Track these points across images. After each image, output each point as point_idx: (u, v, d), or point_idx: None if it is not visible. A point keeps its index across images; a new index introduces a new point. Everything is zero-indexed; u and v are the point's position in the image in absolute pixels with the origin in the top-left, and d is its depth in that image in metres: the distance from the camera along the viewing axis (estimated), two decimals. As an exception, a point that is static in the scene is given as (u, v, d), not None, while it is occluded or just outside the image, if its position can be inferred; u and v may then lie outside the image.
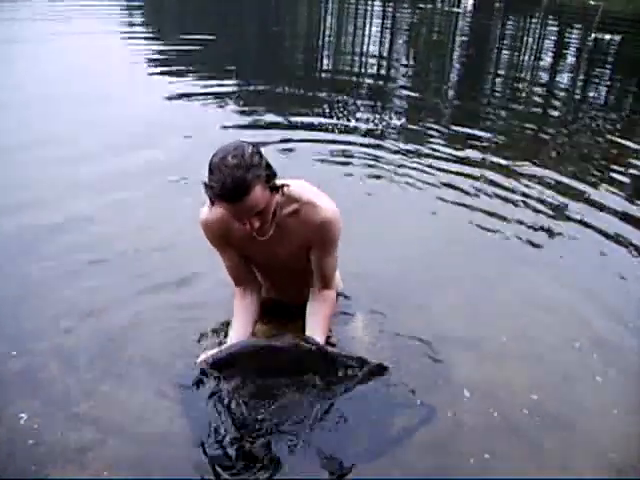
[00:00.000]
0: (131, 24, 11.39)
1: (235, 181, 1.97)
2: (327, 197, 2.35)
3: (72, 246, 3.38)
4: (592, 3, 21.54)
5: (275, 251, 2.38)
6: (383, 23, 14.51)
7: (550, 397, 2.58)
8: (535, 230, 4.01)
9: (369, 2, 18.58)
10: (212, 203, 2.12)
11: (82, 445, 2.16)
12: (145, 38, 10.40)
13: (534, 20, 18.21)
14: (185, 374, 2.50)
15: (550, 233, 4.00)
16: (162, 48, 9.59)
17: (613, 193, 4.71)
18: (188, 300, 2.95)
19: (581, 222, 4.20)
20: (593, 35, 13.77)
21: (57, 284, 3.05)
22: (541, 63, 11.32)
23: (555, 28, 16.58)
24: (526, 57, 11.75)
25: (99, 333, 2.72)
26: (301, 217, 2.29)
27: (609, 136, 6.47)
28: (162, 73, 7.67)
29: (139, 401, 2.37)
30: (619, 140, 6.29)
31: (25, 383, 2.40)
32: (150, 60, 8.52)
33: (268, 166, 2.10)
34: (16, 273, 3.12)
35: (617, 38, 13.14)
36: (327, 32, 13.26)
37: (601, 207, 4.43)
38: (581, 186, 4.79)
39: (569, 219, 4.25)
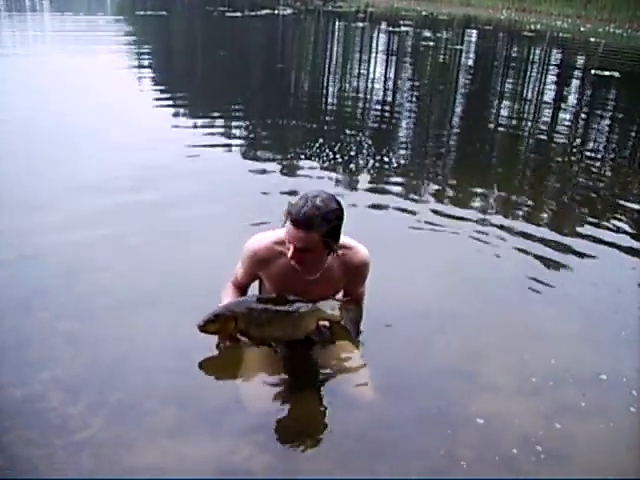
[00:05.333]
0: (139, 63, 11.60)
1: (306, 216, 2.39)
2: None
3: (73, 278, 3.44)
4: (592, 40, 21.86)
5: (313, 288, 2.67)
6: (387, 60, 14.74)
7: (546, 430, 2.58)
8: (537, 267, 4.03)
9: (373, 42, 18.89)
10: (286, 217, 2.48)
11: (81, 475, 2.19)
12: (150, 73, 10.68)
13: (537, 53, 18.44)
14: (187, 401, 2.56)
15: (554, 270, 4.02)
16: (168, 85, 9.79)
17: (616, 230, 4.75)
18: (189, 330, 2.96)
19: (582, 261, 4.24)
20: (593, 72, 13.94)
21: (56, 315, 3.09)
22: (544, 98, 11.47)
23: (557, 64, 16.77)
24: (529, 95, 11.88)
25: (98, 363, 2.76)
26: (343, 260, 2.66)
27: (611, 176, 6.55)
28: (168, 110, 7.85)
29: (138, 431, 2.40)
30: (621, 180, 6.36)
31: (24, 412, 2.44)
32: (155, 96, 8.73)
33: (336, 228, 2.50)
34: (17, 304, 3.15)
35: (617, 75, 13.28)
36: (332, 69, 13.48)
37: (604, 243, 4.48)
38: (584, 224, 4.86)
39: (571, 257, 4.28)
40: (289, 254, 2.51)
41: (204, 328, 2.66)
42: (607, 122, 9.73)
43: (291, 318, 2.66)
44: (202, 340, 2.80)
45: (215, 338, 2.82)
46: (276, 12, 24.96)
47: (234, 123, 7.28)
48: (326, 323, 2.68)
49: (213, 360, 2.80)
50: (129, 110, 7.73)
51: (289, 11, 26.02)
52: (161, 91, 9.08)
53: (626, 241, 4.55)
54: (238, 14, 22.19)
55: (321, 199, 2.43)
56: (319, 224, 2.42)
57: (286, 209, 2.47)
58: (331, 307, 2.70)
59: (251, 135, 6.84)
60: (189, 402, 2.57)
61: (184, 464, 2.28)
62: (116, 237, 3.95)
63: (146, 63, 11.67)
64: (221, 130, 6.83)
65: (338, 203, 2.50)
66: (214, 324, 2.64)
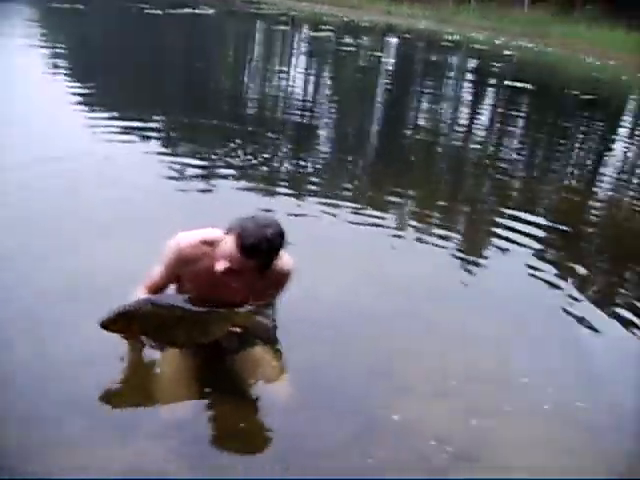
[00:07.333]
0: (52, 60, 11.18)
1: (254, 247, 2.40)
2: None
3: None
4: (507, 53, 22.74)
5: (233, 292, 2.59)
6: (308, 64, 14.81)
7: (459, 431, 2.62)
8: (456, 267, 4.15)
9: (295, 45, 18.96)
10: (227, 233, 2.47)
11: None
12: (63, 70, 10.30)
13: (454, 63, 18.99)
14: (95, 407, 2.46)
15: (471, 270, 4.14)
16: (84, 85, 9.44)
17: (526, 232, 4.90)
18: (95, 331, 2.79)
19: (498, 261, 4.40)
20: (507, 82, 14.49)
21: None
22: (460, 106, 11.81)
23: (474, 73, 17.31)
24: (445, 101, 12.21)
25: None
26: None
27: (520, 181, 6.82)
28: (82, 108, 7.54)
29: (43, 440, 2.29)
30: (530, 185, 6.63)
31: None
32: (72, 97, 8.35)
33: (273, 258, 2.52)
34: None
35: (529, 87, 13.84)
36: (252, 71, 13.45)
37: (515, 243, 4.66)
38: (496, 225, 5.03)
39: (486, 256, 4.45)
40: (219, 267, 2.47)
41: (106, 325, 2.48)
42: (519, 129, 10.18)
43: (199, 322, 2.55)
44: (110, 342, 2.66)
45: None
46: (197, 12, 24.66)
47: (150, 122, 7.05)
48: (237, 329, 2.60)
49: (126, 363, 2.71)
50: (39, 111, 7.35)
51: (211, 11, 25.75)
52: (74, 88, 8.70)
53: (536, 241, 4.76)
54: (158, 12, 21.74)
55: (272, 232, 2.44)
56: (263, 256, 2.46)
57: (236, 228, 2.42)
58: (244, 313, 2.59)
59: (168, 134, 6.70)
60: (97, 408, 2.46)
61: (92, 463, 2.22)
62: (22, 231, 3.77)
63: (59, 59, 11.23)
64: (136, 129, 6.58)
65: (283, 235, 2.50)
66: (115, 323, 2.47)
